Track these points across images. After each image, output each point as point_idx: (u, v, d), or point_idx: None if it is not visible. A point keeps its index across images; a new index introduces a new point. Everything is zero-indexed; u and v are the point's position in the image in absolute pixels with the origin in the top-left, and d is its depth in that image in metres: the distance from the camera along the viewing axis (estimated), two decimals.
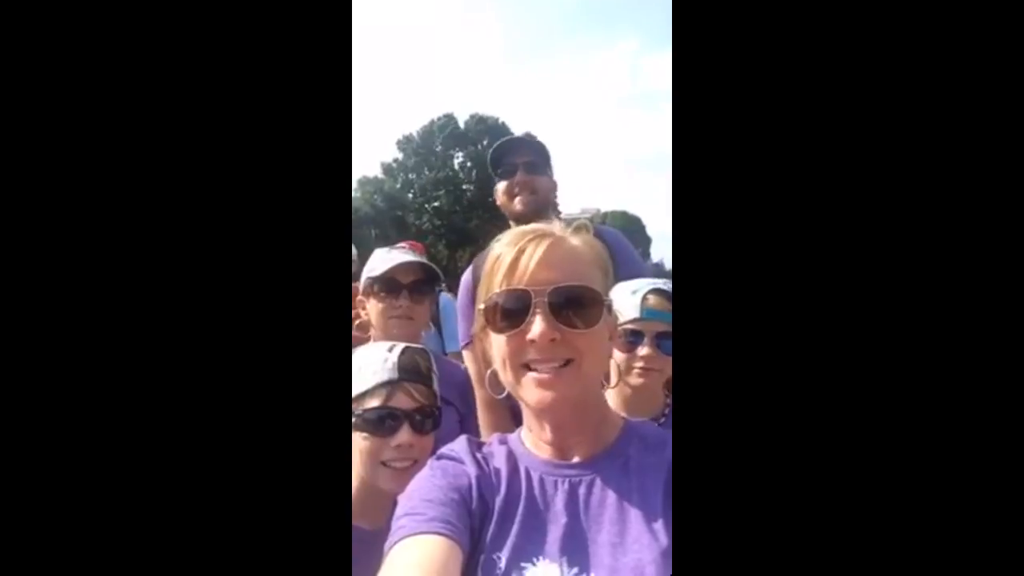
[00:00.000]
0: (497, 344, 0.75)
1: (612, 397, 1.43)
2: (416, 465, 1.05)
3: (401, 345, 1.13)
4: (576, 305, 0.71)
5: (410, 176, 36.44)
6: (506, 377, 0.75)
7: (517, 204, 1.83)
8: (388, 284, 1.48)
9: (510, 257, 0.73)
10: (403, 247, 1.71)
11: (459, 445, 0.81)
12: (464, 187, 35.87)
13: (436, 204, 35.59)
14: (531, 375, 0.72)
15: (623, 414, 1.40)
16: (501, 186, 1.87)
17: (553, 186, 1.93)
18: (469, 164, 36.43)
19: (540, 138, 2.00)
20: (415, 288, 1.50)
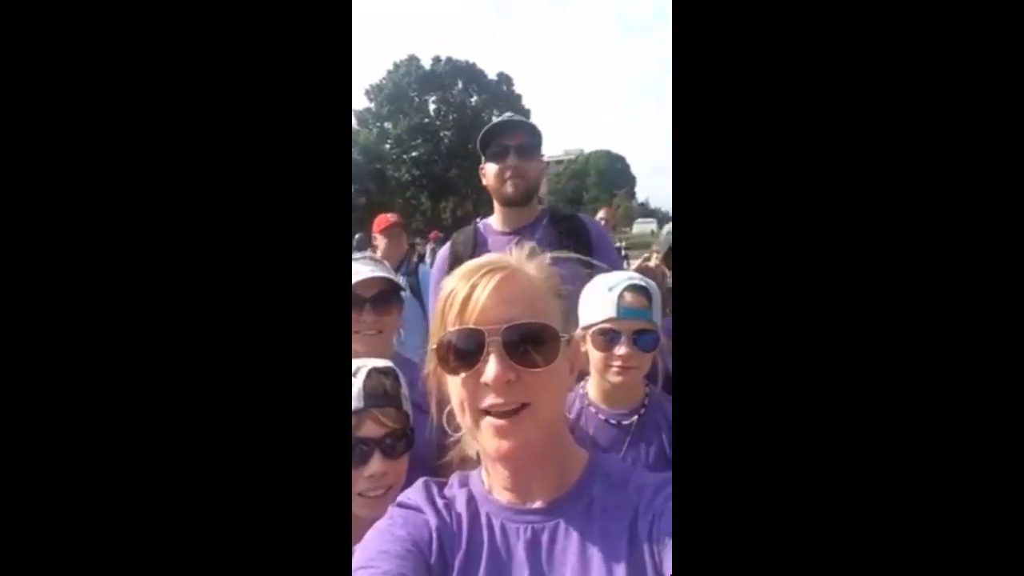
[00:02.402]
0: (452, 385, 0.72)
1: (593, 391, 1.42)
2: (392, 491, 1.04)
3: (365, 368, 1.09)
4: (532, 343, 0.68)
5: (385, 125, 35.17)
6: (464, 421, 0.72)
7: (508, 188, 1.77)
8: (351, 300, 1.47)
9: (462, 294, 0.69)
10: (365, 257, 1.65)
11: (417, 493, 0.79)
12: (441, 134, 34.80)
13: (414, 154, 34.59)
14: (488, 420, 0.69)
15: (604, 407, 1.41)
16: (491, 168, 1.80)
17: (543, 168, 1.85)
18: (444, 109, 35.20)
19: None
20: (379, 300, 1.49)
